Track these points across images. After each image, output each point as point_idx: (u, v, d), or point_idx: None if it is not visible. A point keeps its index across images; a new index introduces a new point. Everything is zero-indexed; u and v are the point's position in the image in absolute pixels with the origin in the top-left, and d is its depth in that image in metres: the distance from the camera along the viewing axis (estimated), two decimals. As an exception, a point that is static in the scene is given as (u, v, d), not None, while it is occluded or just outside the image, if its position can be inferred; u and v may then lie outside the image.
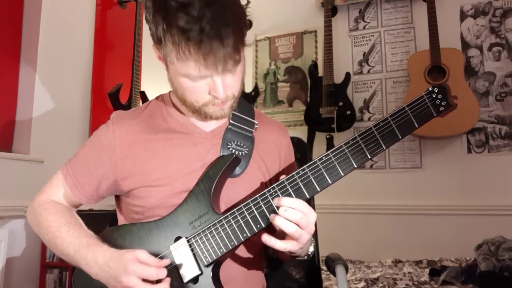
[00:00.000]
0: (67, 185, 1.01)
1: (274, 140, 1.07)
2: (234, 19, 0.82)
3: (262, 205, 0.88)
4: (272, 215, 0.84)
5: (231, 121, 1.02)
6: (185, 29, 0.78)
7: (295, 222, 0.82)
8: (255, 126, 1.04)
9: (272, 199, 0.87)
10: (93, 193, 1.01)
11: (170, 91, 1.07)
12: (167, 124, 1.01)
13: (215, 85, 0.86)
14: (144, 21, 2.98)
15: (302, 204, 0.84)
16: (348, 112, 2.88)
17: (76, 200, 1.02)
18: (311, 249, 0.97)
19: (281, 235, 0.88)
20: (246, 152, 1.00)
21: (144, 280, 0.82)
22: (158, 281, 0.83)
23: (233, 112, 1.03)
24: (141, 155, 0.96)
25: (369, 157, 0.86)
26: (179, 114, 1.02)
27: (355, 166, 0.86)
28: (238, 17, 0.83)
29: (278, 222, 0.82)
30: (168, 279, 0.84)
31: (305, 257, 0.97)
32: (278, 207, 0.84)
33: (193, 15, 0.78)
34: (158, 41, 0.85)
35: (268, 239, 0.83)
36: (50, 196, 1.02)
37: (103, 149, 0.99)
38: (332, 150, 0.87)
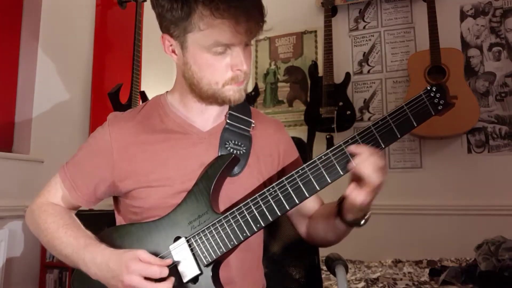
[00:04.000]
0: (65, 188, 1.00)
1: (271, 137, 1.07)
2: None
3: (262, 205, 0.88)
4: (352, 163, 0.83)
5: (228, 121, 1.03)
6: None
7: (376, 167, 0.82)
8: (252, 125, 1.04)
9: (272, 198, 0.87)
10: (91, 195, 1.01)
11: (166, 92, 1.07)
12: (164, 124, 1.01)
13: (238, 57, 0.90)
14: (144, 21, 2.93)
15: (381, 155, 0.84)
16: (348, 112, 2.88)
17: (75, 203, 1.02)
18: (369, 213, 0.93)
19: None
20: (244, 151, 1.00)
21: (146, 279, 0.82)
22: (159, 280, 0.83)
23: (230, 111, 1.04)
24: (138, 156, 0.96)
25: (369, 156, 0.85)
26: (176, 114, 1.02)
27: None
28: None
29: (364, 170, 0.82)
30: (173, 278, 0.84)
31: (362, 222, 0.93)
32: (353, 155, 0.84)
33: None
34: (181, 19, 0.87)
35: (351, 191, 0.84)
36: (49, 199, 1.02)
37: (100, 151, 0.98)
38: (331, 149, 0.87)
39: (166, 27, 0.92)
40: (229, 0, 0.83)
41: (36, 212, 1.00)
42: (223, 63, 0.90)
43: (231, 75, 0.91)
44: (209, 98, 0.95)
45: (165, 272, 0.82)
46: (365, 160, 0.82)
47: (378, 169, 0.82)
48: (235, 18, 0.84)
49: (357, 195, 0.84)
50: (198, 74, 0.92)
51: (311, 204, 1.06)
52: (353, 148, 0.84)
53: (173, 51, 0.95)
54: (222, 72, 0.91)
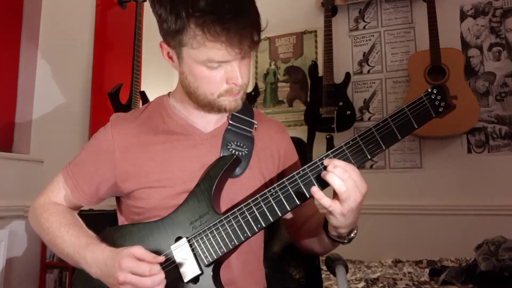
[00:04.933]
0: (67, 187, 1.01)
1: (272, 138, 1.07)
2: (251, 1, 0.88)
3: (263, 205, 0.88)
4: (324, 172, 0.83)
5: (231, 122, 1.03)
6: (211, 10, 0.81)
7: (342, 180, 0.81)
8: (255, 126, 1.04)
9: (273, 199, 0.87)
10: (93, 195, 1.01)
11: (169, 93, 1.07)
12: (166, 125, 1.01)
13: (234, 72, 0.89)
14: (144, 21, 2.93)
15: (352, 169, 0.83)
16: (348, 112, 2.88)
17: (77, 202, 1.02)
18: (354, 232, 0.92)
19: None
20: (246, 152, 1.00)
21: None
22: None
23: (232, 112, 1.03)
24: (140, 157, 0.97)
25: (369, 158, 0.86)
26: (178, 115, 1.02)
27: (355, 166, 0.86)
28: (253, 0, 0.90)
29: (330, 177, 0.81)
30: (162, 273, 0.83)
31: (345, 240, 0.92)
32: (327, 166, 0.83)
33: None
34: (175, 32, 0.86)
35: (316, 191, 0.82)
36: (51, 198, 1.03)
37: (102, 151, 0.99)
38: (332, 150, 0.87)
39: (164, 35, 0.92)
40: (223, 22, 0.81)
41: (38, 211, 1.01)
42: (218, 76, 0.90)
43: (226, 87, 0.91)
44: (206, 106, 0.96)
45: (155, 269, 0.81)
46: (332, 170, 0.82)
47: (346, 179, 0.81)
48: (228, 40, 0.83)
49: (326, 201, 0.83)
50: (194, 84, 0.93)
51: (303, 211, 1.06)
52: (325, 161, 0.84)
53: (171, 58, 0.96)
54: (217, 84, 0.91)
